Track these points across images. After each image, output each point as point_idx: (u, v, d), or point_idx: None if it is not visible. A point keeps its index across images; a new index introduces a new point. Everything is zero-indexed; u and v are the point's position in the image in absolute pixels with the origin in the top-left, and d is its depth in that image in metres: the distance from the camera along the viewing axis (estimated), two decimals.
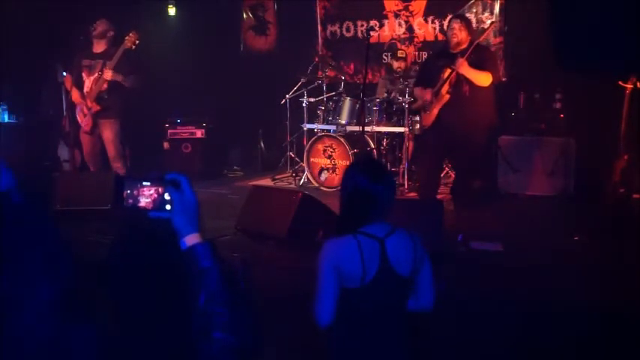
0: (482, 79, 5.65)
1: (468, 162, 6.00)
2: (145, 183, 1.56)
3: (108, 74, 6.29)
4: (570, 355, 3.37)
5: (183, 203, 1.55)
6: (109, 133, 6.54)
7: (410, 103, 6.89)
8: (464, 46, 5.75)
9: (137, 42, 6.33)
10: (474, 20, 7.73)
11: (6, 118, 7.81)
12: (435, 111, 5.87)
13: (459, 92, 5.71)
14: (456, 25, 5.78)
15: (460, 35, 5.75)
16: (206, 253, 1.54)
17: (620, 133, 5.47)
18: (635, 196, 5.53)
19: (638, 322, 3.56)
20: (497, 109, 5.99)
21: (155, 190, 1.56)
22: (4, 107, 7.77)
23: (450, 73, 5.68)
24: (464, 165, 6.10)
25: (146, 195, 1.55)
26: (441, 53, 6.11)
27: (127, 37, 6.33)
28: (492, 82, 5.68)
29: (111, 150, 6.57)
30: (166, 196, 1.55)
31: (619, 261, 4.48)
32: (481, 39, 5.94)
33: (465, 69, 5.60)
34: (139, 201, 1.56)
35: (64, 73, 6.93)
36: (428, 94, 5.92)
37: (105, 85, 6.38)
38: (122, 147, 6.70)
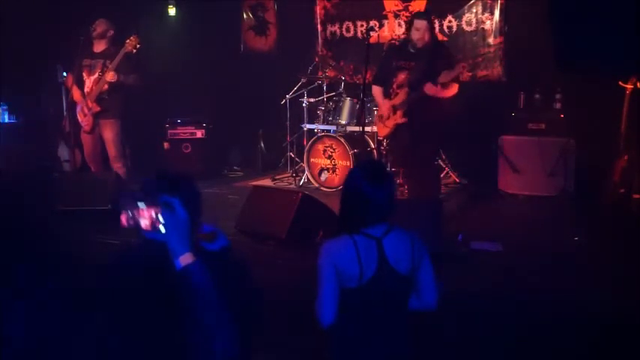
0: (451, 92, 5.64)
1: (419, 166, 5.90)
2: (140, 204, 1.70)
3: (109, 76, 6.28)
4: (570, 354, 3.37)
5: (176, 223, 1.67)
6: (109, 133, 6.55)
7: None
8: (426, 43, 5.70)
9: (138, 46, 6.31)
10: (473, 20, 7.74)
11: (6, 118, 7.81)
12: (390, 129, 5.91)
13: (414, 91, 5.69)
14: (421, 26, 5.66)
15: (425, 37, 5.68)
16: (200, 271, 1.65)
17: (620, 133, 5.48)
18: (635, 196, 5.52)
19: (638, 322, 3.56)
20: (452, 111, 5.84)
21: (154, 210, 1.69)
22: (4, 107, 7.77)
23: (410, 96, 5.66)
24: (416, 172, 5.97)
25: (145, 217, 1.69)
26: (399, 52, 5.98)
27: (127, 41, 6.29)
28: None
29: (111, 150, 6.57)
30: (160, 218, 1.68)
31: (619, 261, 4.48)
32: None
33: (432, 91, 5.57)
34: (139, 222, 1.70)
35: (65, 73, 6.93)
36: (385, 107, 5.92)
37: (106, 86, 6.38)
38: (122, 147, 6.70)
